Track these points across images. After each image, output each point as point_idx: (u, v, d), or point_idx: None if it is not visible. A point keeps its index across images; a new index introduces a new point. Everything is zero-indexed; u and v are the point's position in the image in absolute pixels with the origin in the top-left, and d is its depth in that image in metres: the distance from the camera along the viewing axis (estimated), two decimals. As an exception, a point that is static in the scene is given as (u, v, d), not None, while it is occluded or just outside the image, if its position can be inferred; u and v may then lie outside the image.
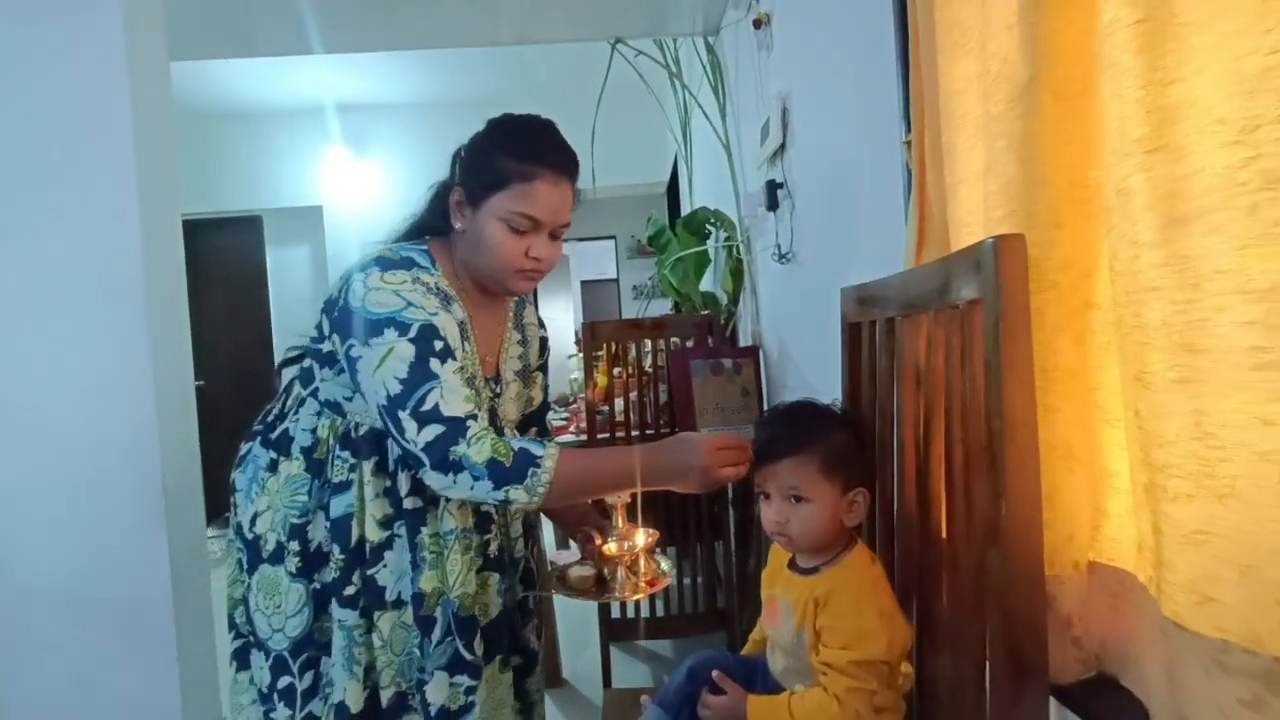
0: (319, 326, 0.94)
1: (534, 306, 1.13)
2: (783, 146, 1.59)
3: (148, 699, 1.40)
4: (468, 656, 0.92)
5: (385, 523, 0.92)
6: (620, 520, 0.88)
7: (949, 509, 0.70)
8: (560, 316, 6.78)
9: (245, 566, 0.97)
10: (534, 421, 1.15)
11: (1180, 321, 0.46)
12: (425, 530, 0.92)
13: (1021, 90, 0.59)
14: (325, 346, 0.92)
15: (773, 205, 1.65)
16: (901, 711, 0.74)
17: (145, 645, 1.40)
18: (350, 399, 0.92)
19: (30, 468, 1.37)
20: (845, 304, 0.96)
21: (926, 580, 0.74)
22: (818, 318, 1.31)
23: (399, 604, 0.93)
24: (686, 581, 1.92)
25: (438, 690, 0.91)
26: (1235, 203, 0.42)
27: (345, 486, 0.93)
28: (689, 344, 1.92)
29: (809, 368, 1.55)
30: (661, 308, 3.39)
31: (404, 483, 0.92)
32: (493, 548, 0.99)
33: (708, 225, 2.31)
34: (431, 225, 0.98)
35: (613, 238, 6.13)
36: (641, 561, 0.88)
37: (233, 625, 1.00)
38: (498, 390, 1.01)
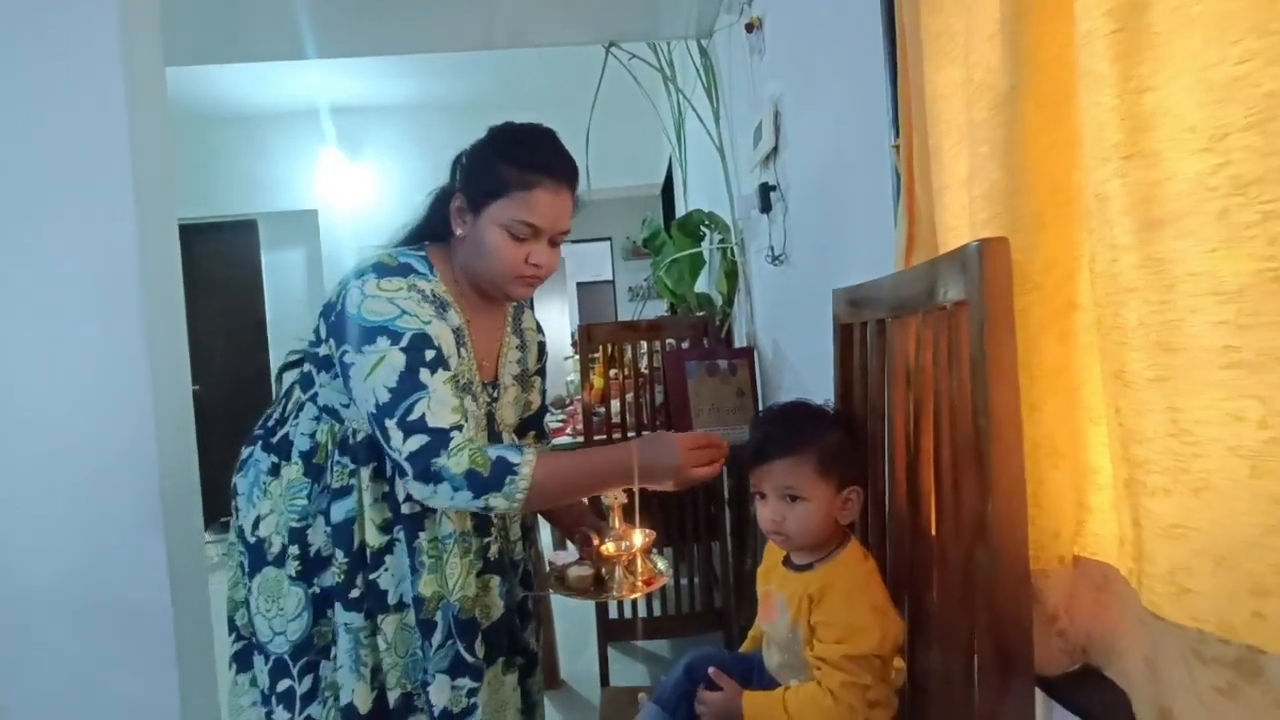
0: (316, 331, 0.95)
1: (531, 311, 1.14)
2: (775, 149, 1.61)
3: (146, 702, 1.40)
4: (469, 659, 0.93)
5: (385, 527, 0.93)
6: (617, 521, 0.89)
7: (938, 505, 0.71)
8: (556, 318, 6.78)
9: (246, 570, 0.97)
10: (532, 425, 1.16)
11: (1156, 322, 0.47)
12: (424, 535, 0.93)
13: (1003, 98, 0.61)
14: (322, 350, 0.94)
15: (766, 207, 1.67)
16: (894, 705, 0.75)
17: (144, 648, 1.40)
18: (348, 405, 0.94)
19: (28, 471, 1.37)
20: (837, 305, 0.98)
21: (917, 575, 0.76)
22: (811, 319, 1.33)
23: (401, 606, 0.94)
24: (683, 582, 1.93)
25: (440, 693, 0.92)
26: (1206, 207, 0.44)
27: (346, 491, 0.94)
28: (684, 345, 1.94)
29: (803, 368, 1.56)
30: (657, 309, 3.40)
31: (401, 488, 0.93)
32: (493, 550, 1.00)
33: (702, 227, 2.33)
34: (431, 231, 0.99)
35: (608, 239, 6.15)
36: (639, 561, 0.90)
37: (233, 628, 1.01)
38: (495, 395, 1.02)
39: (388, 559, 0.93)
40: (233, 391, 3.96)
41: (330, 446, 0.95)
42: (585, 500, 1.14)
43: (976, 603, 0.63)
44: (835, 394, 0.96)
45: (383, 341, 0.85)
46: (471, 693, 0.93)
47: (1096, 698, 0.60)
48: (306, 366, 0.98)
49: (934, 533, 0.73)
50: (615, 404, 1.95)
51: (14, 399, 1.37)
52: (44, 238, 1.37)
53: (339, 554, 0.94)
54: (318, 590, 0.95)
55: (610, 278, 6.40)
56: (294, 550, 0.96)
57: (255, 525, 0.97)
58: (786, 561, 0.82)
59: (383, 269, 0.91)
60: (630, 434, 1.89)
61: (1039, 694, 0.63)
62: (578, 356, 2.42)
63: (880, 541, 0.84)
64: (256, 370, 4.19)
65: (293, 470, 0.96)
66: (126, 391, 1.38)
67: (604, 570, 0.89)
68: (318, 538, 0.96)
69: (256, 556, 0.97)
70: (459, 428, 0.84)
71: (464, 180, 0.94)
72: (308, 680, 0.96)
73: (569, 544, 1.02)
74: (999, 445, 0.59)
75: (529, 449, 0.87)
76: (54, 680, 1.38)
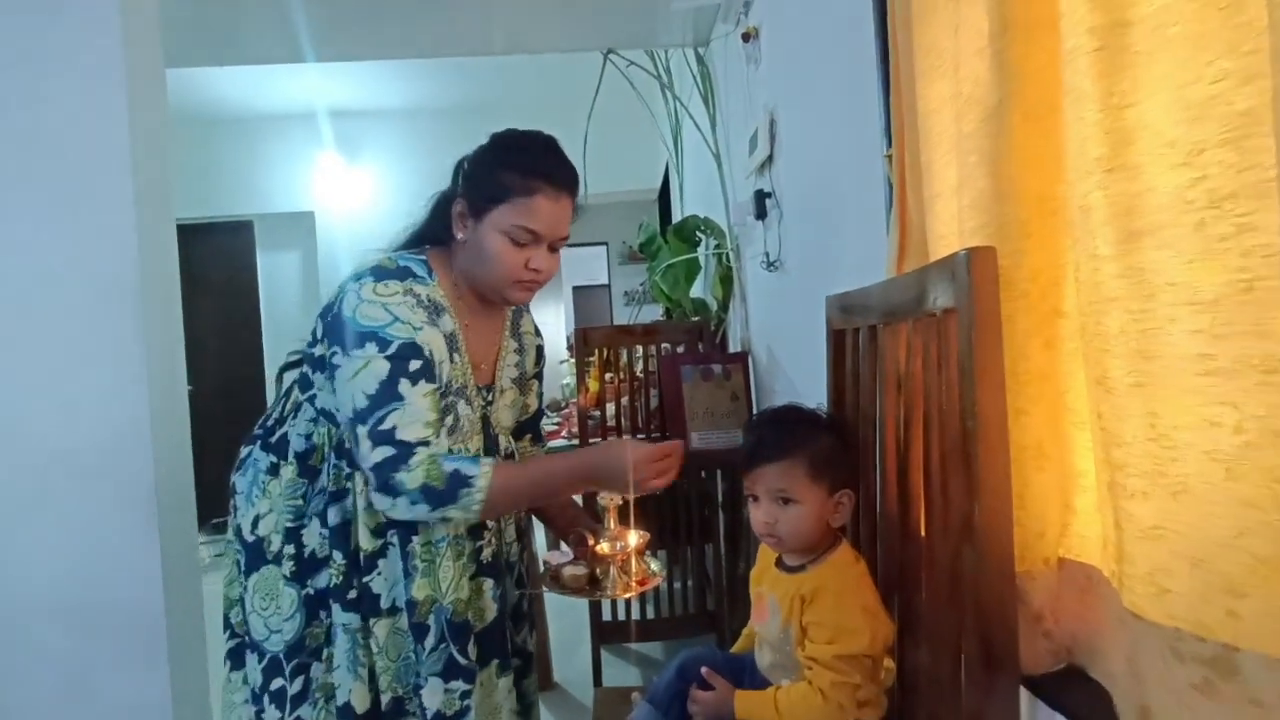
0: (314, 332, 0.96)
1: (530, 315, 1.15)
2: (770, 157, 1.63)
3: (139, 704, 1.40)
4: (462, 661, 0.94)
5: (378, 531, 0.94)
6: (612, 522, 0.91)
7: (927, 509, 0.73)
8: (552, 321, 6.78)
9: (243, 568, 0.98)
10: (529, 428, 1.17)
11: (1136, 330, 0.49)
12: (417, 539, 0.94)
13: (992, 111, 0.62)
14: (318, 351, 0.95)
15: (761, 214, 1.69)
16: (883, 705, 0.76)
17: (136, 650, 1.40)
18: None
19: (23, 472, 1.37)
20: (830, 311, 0.99)
21: (907, 577, 0.77)
22: (804, 324, 1.34)
23: (394, 611, 0.95)
24: (677, 585, 1.94)
25: (432, 696, 0.93)
26: (1184, 220, 0.46)
27: (342, 494, 0.95)
28: (679, 350, 1.95)
29: (796, 373, 1.58)
30: (652, 313, 3.42)
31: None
32: (486, 554, 1.01)
33: (698, 233, 2.34)
34: (432, 234, 1.00)
35: (604, 244, 6.17)
36: (633, 562, 0.91)
37: (228, 625, 1.01)
38: (490, 398, 1.03)
39: (381, 563, 0.94)
40: (226, 392, 3.95)
41: (326, 449, 0.96)
42: (580, 502, 1.15)
43: (964, 603, 0.64)
44: (828, 399, 0.98)
45: (370, 347, 0.87)
46: (464, 695, 0.94)
47: (1080, 697, 0.62)
48: (305, 368, 0.99)
49: (923, 535, 0.74)
50: (611, 407, 1.96)
51: (9, 398, 1.37)
52: (43, 237, 1.37)
53: (337, 555, 0.94)
54: (311, 591, 0.96)
55: (606, 282, 6.41)
56: (289, 550, 0.96)
57: (254, 524, 0.98)
58: (779, 563, 0.83)
59: (381, 272, 0.92)
60: (626, 437, 1.90)
61: (1024, 693, 0.64)
62: (573, 360, 2.43)
63: (871, 543, 0.86)
64: (250, 371, 4.18)
65: (289, 470, 0.97)
66: (122, 392, 1.39)
67: (598, 570, 0.90)
68: (313, 539, 0.96)
69: (255, 555, 0.97)
70: (425, 443, 0.86)
71: (466, 185, 0.96)
72: (299, 681, 0.96)
73: (562, 545, 1.03)
74: (986, 449, 0.61)
75: (486, 460, 0.88)
76: (46, 683, 1.38)
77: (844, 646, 0.72)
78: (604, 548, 0.89)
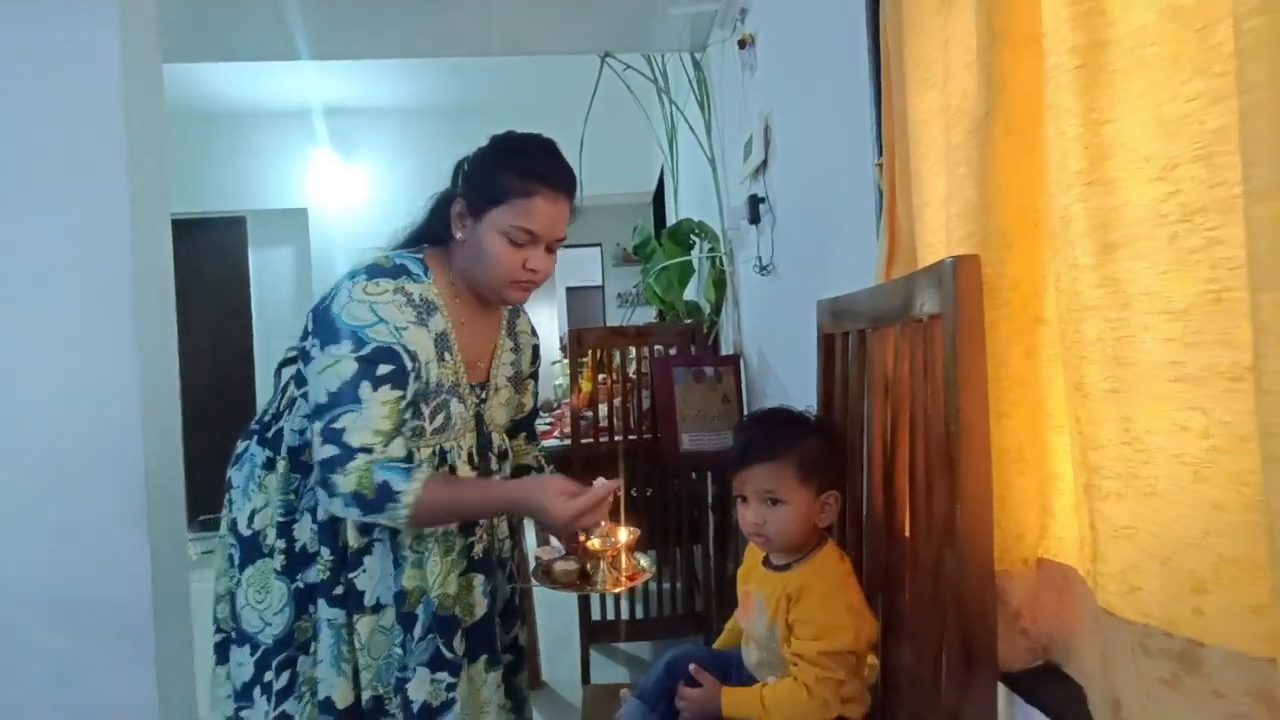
0: (306, 326, 0.97)
1: (526, 315, 1.16)
2: (765, 163, 1.65)
3: (125, 702, 1.39)
4: (447, 654, 0.95)
5: (364, 528, 0.95)
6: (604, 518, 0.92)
7: (912, 510, 0.74)
8: (545, 322, 6.79)
9: (236, 562, 0.98)
10: (523, 426, 1.18)
11: (1112, 337, 0.51)
12: (405, 534, 0.95)
13: (979, 123, 0.64)
14: (308, 345, 0.96)
15: (754, 219, 1.71)
16: (866, 702, 0.78)
17: (124, 648, 1.39)
18: None
19: (11, 467, 1.37)
20: (821, 316, 1.01)
21: (891, 577, 0.79)
22: (796, 328, 1.36)
23: (378, 608, 0.95)
24: (666, 585, 1.95)
25: (419, 687, 0.94)
26: (1158, 232, 0.48)
27: None
28: (672, 352, 1.96)
29: (787, 376, 1.60)
30: (645, 315, 3.43)
31: None
32: (478, 549, 1.02)
33: (692, 236, 2.36)
34: (432, 234, 1.02)
35: (598, 245, 6.18)
36: (623, 557, 0.92)
37: (215, 619, 1.02)
38: (484, 396, 1.04)
39: (366, 560, 0.95)
40: (216, 389, 3.93)
41: None
42: None
43: (945, 602, 0.66)
44: (818, 402, 0.99)
45: (345, 345, 0.89)
46: (450, 687, 0.95)
47: (1056, 693, 0.64)
48: (300, 364, 0.99)
49: (908, 536, 0.76)
50: (603, 408, 1.98)
51: (1, 393, 1.37)
52: (37, 232, 1.37)
53: (325, 551, 0.95)
54: (300, 585, 0.97)
55: (600, 283, 6.42)
56: (280, 545, 0.97)
57: (250, 518, 0.98)
58: (766, 562, 0.84)
59: (376, 270, 0.94)
60: (618, 438, 1.91)
61: (1002, 689, 0.66)
62: (566, 360, 2.44)
63: (857, 544, 0.87)
64: (241, 368, 4.16)
65: (284, 465, 0.98)
66: (115, 388, 1.38)
67: (589, 565, 0.92)
68: (303, 533, 0.97)
69: (251, 549, 0.98)
70: (367, 449, 0.87)
71: (465, 186, 0.97)
72: (285, 676, 0.97)
73: (553, 540, 1.04)
74: (968, 452, 0.62)
75: (420, 475, 0.88)
76: (31, 677, 1.37)
77: (829, 643, 0.74)
78: (595, 543, 0.90)
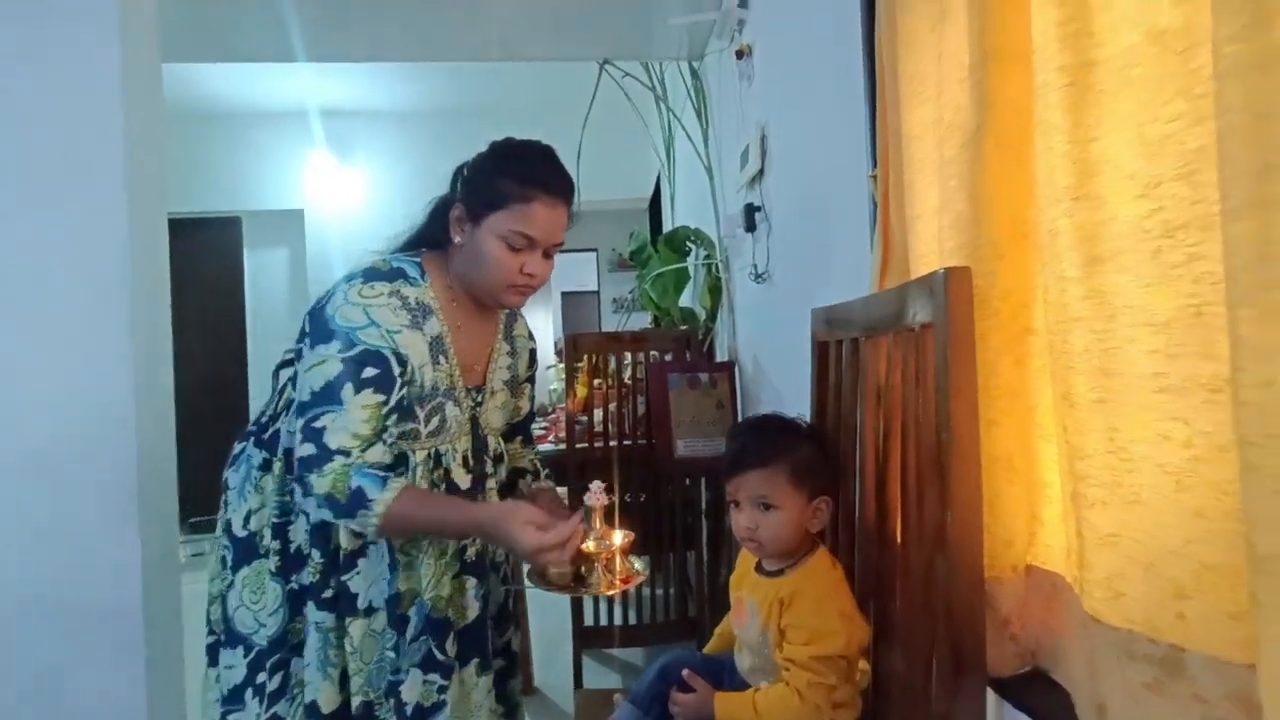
0: (302, 328, 0.97)
1: (523, 319, 1.17)
2: (761, 172, 1.66)
3: (114, 704, 1.38)
4: (439, 656, 0.96)
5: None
6: (598, 522, 0.93)
7: (903, 517, 0.75)
8: (541, 326, 6.79)
9: (230, 564, 0.99)
10: (520, 430, 1.19)
11: (1098, 349, 0.52)
12: (396, 537, 0.95)
13: (971, 137, 0.66)
14: (303, 345, 0.96)
15: (750, 227, 1.72)
16: (858, 707, 0.79)
17: (113, 649, 1.38)
18: None
19: (4, 466, 1.36)
20: (815, 324, 1.02)
21: (883, 583, 0.80)
22: (790, 336, 1.38)
23: (370, 611, 0.96)
24: (659, 591, 1.95)
25: (412, 689, 0.94)
26: (1141, 247, 0.49)
27: None
28: (667, 358, 1.97)
29: (781, 383, 1.61)
30: (641, 321, 3.44)
31: None
32: (470, 552, 1.02)
33: (688, 243, 2.38)
34: (431, 238, 1.02)
35: (594, 250, 6.19)
36: (617, 560, 0.93)
37: (209, 621, 1.02)
38: (479, 399, 1.05)
39: (360, 562, 0.95)
40: (209, 390, 3.90)
41: None
42: (566, 501, 1.17)
43: (936, 609, 0.67)
44: (812, 409, 1.01)
45: (334, 345, 0.89)
46: (442, 689, 0.96)
47: (1044, 698, 0.64)
48: (297, 365, 1.00)
49: (899, 543, 0.77)
50: (598, 413, 1.98)
51: (-4, 390, 1.36)
52: (33, 229, 1.37)
53: (315, 554, 0.96)
54: (295, 587, 0.97)
55: (595, 288, 6.44)
56: (275, 546, 0.97)
57: (246, 520, 0.99)
58: (759, 568, 0.85)
59: (372, 273, 0.94)
60: (613, 443, 1.92)
61: (991, 694, 0.67)
62: (561, 365, 2.45)
63: (850, 551, 0.88)
64: (234, 369, 4.14)
65: (279, 467, 0.98)
66: (109, 388, 1.38)
67: (583, 567, 0.92)
68: (298, 535, 0.98)
69: (246, 550, 0.98)
70: (344, 452, 0.87)
71: (465, 191, 0.98)
72: (278, 678, 0.97)
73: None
74: (958, 460, 0.64)
75: (395, 484, 0.88)
76: (21, 680, 1.36)
77: (820, 648, 0.74)
78: (590, 546, 0.91)
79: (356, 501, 0.86)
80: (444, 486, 0.99)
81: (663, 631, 1.96)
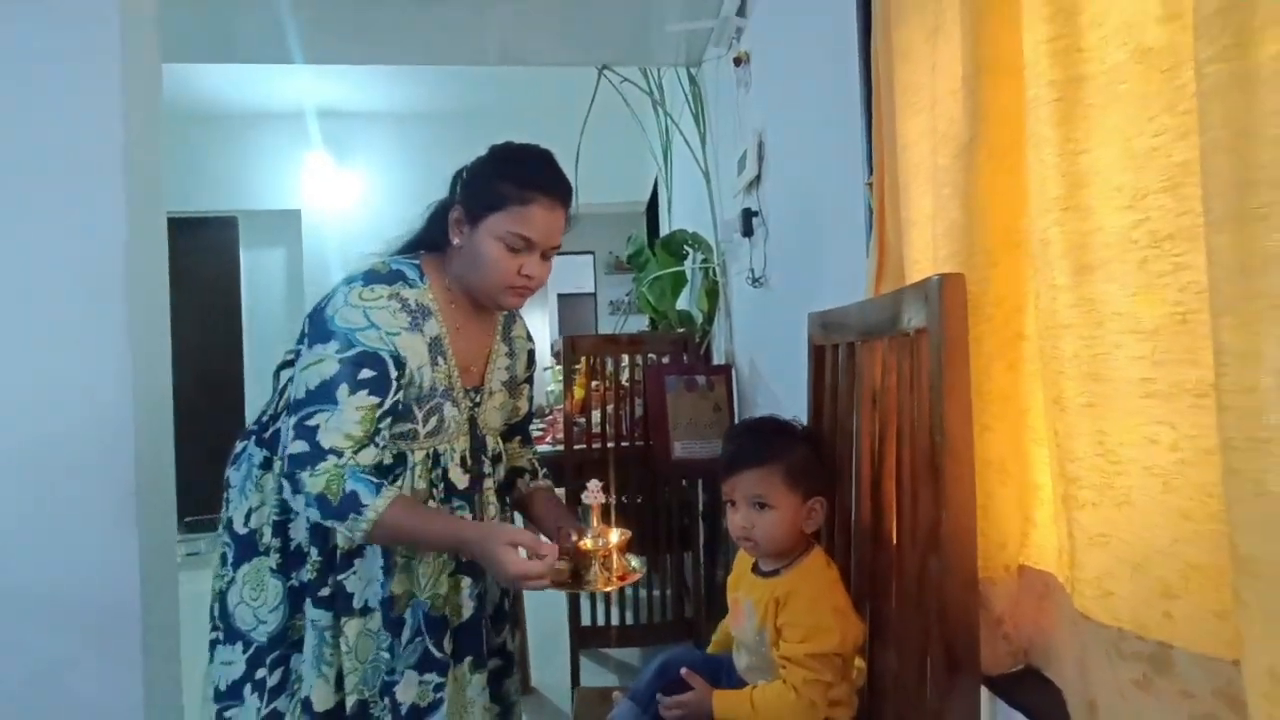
0: (302, 330, 0.98)
1: (522, 320, 1.18)
2: (758, 178, 1.68)
3: (111, 701, 1.39)
4: (436, 654, 0.97)
5: None
6: (595, 520, 0.94)
7: (898, 518, 0.77)
8: (538, 328, 6.78)
9: (231, 561, 0.99)
10: (518, 430, 1.20)
11: (1087, 355, 0.54)
12: None
13: (964, 147, 0.67)
14: (302, 346, 0.97)
15: (748, 232, 1.74)
16: (854, 705, 0.80)
17: (109, 648, 1.38)
18: None
19: (2, 464, 1.36)
20: (811, 328, 1.04)
21: (878, 583, 0.81)
22: (787, 340, 1.39)
23: (366, 611, 0.96)
24: (656, 592, 1.96)
25: (407, 689, 0.95)
26: (1128, 256, 0.50)
27: None
28: (665, 360, 1.99)
29: (778, 386, 1.63)
30: (638, 324, 3.46)
31: None
32: (466, 552, 1.03)
33: (685, 247, 2.39)
34: (430, 240, 1.03)
35: (591, 253, 6.21)
36: (614, 558, 0.94)
37: (210, 617, 1.03)
38: (478, 400, 1.06)
39: (357, 562, 0.96)
40: (205, 389, 3.89)
41: None
42: (563, 499, 1.18)
43: (930, 608, 0.68)
44: (808, 412, 1.02)
45: (332, 346, 0.90)
46: (438, 688, 0.96)
47: (1036, 695, 0.66)
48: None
49: (894, 543, 0.78)
50: (596, 415, 1.99)
51: (-7, 390, 1.36)
52: (32, 228, 1.37)
53: (314, 551, 0.97)
54: (295, 584, 0.98)
55: (592, 290, 6.45)
56: (275, 544, 0.98)
57: (246, 518, 0.99)
58: (755, 568, 0.86)
59: (372, 276, 0.95)
60: (610, 444, 1.93)
61: (985, 692, 0.68)
62: (558, 367, 2.46)
63: (845, 552, 0.89)
64: (230, 369, 4.13)
65: (279, 465, 0.98)
66: (107, 388, 1.38)
67: (581, 565, 0.93)
68: (298, 533, 0.98)
69: (246, 547, 0.99)
70: (337, 452, 0.88)
71: (464, 193, 0.99)
72: (278, 674, 0.98)
73: (542, 538, 1.06)
74: (952, 463, 0.65)
75: (389, 492, 0.88)
76: (17, 676, 1.36)
77: (816, 645, 0.76)
78: (587, 543, 0.92)
79: (349, 505, 0.86)
80: (442, 486, 1.00)
81: (659, 632, 1.97)
